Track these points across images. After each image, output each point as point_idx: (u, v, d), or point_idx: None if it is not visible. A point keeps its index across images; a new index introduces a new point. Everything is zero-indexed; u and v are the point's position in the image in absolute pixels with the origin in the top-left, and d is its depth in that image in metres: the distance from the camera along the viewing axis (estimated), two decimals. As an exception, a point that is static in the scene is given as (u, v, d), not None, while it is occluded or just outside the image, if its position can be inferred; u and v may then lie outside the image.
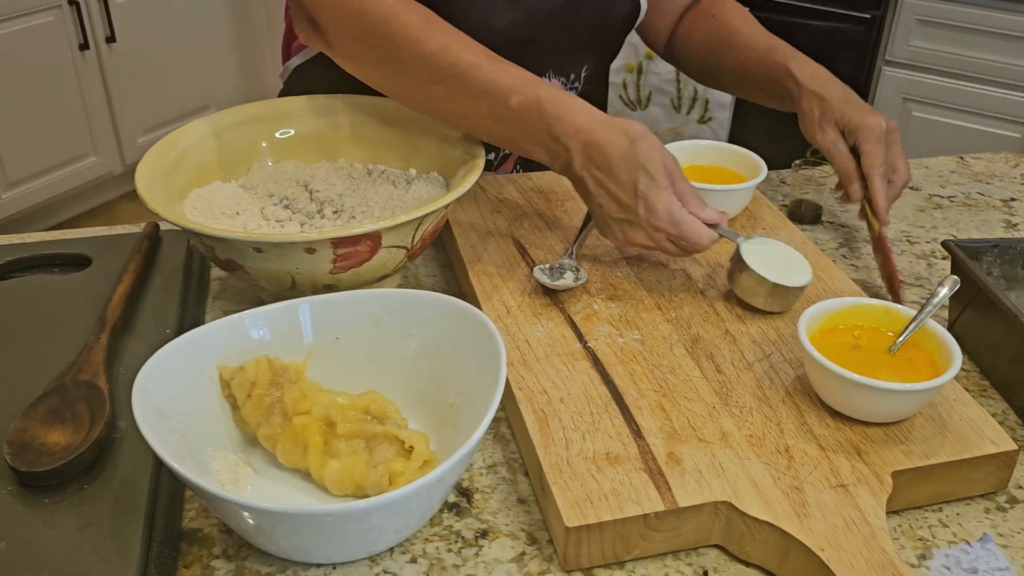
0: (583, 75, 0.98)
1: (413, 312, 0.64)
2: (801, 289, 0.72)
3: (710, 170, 0.87)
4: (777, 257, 0.73)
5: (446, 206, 0.70)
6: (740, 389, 0.64)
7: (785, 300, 0.72)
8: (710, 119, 2.24)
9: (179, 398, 0.58)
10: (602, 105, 1.35)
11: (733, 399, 0.63)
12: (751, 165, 0.86)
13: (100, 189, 2.80)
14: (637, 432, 0.60)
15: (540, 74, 0.95)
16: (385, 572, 0.55)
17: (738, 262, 0.72)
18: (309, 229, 0.76)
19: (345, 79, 0.81)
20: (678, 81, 2.22)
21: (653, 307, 0.72)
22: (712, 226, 0.71)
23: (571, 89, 0.98)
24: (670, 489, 0.55)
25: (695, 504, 0.54)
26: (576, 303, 0.72)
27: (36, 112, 2.47)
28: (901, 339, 0.64)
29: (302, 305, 0.63)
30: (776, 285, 0.70)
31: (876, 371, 0.60)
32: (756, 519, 0.54)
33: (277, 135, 0.84)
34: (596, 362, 0.66)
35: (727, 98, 2.22)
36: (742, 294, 0.72)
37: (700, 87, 2.20)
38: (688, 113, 2.24)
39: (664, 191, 0.69)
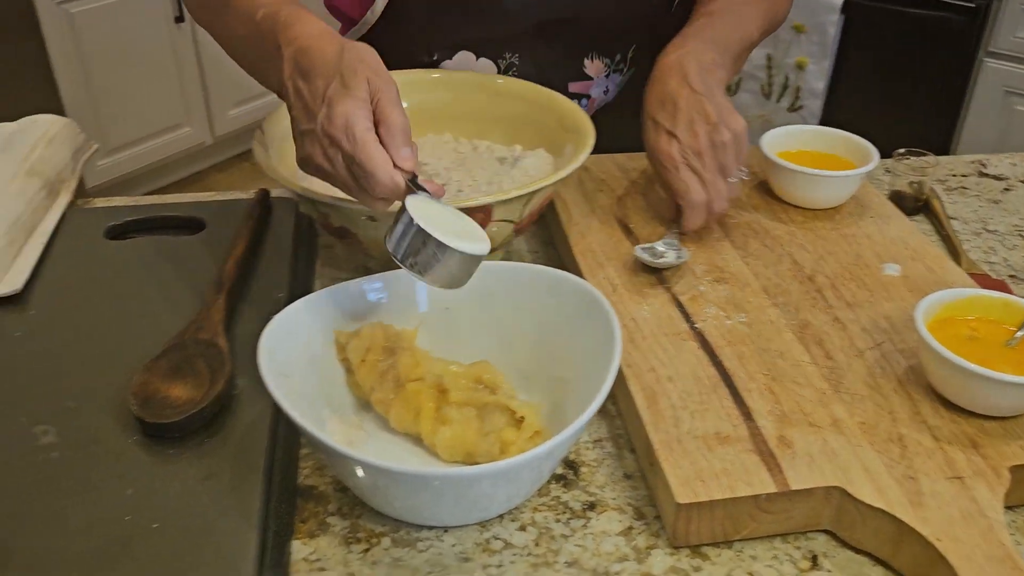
0: (630, 56, 0.96)
1: (525, 286, 0.64)
2: (473, 260, 0.58)
3: (818, 156, 0.86)
4: (450, 222, 0.60)
5: (556, 182, 0.71)
6: (851, 376, 0.63)
7: (451, 271, 0.59)
8: (801, 107, 2.20)
9: (299, 359, 0.60)
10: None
11: (844, 386, 0.62)
12: (860, 152, 0.84)
13: (191, 160, 2.87)
14: (747, 414, 0.59)
15: (582, 55, 0.93)
16: (495, 538, 0.56)
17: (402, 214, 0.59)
18: (417, 201, 0.77)
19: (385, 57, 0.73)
20: (769, 68, 2.18)
21: (760, 291, 0.72)
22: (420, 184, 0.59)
23: (616, 72, 0.96)
24: (782, 472, 0.55)
25: (807, 488, 0.54)
26: (681, 284, 0.72)
27: (133, 82, 2.54)
28: (1021, 332, 0.62)
29: (418, 273, 0.64)
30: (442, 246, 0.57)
31: (993, 364, 0.59)
32: (869, 506, 0.53)
33: (388, 107, 0.85)
34: (704, 343, 0.66)
35: (819, 86, 2.17)
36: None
37: (792, 74, 2.17)
38: (778, 100, 2.20)
39: (352, 100, 0.58)
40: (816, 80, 2.13)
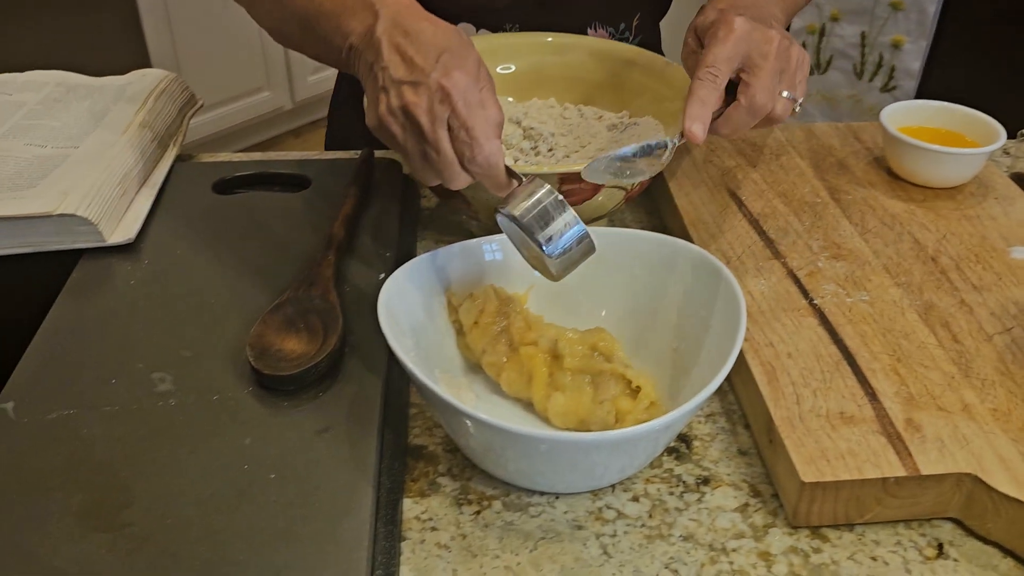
0: (635, 24, 0.93)
1: (642, 254, 0.63)
2: (590, 248, 0.57)
3: (940, 132, 0.82)
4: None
5: (674, 148, 0.69)
6: (980, 361, 0.60)
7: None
8: (894, 88, 2.12)
9: (413, 317, 0.59)
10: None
11: (973, 370, 0.59)
12: (985, 130, 0.81)
13: (269, 124, 2.90)
14: (872, 395, 0.57)
15: (584, 24, 0.90)
16: (608, 507, 0.55)
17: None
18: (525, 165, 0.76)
19: None
20: (863, 46, 2.11)
21: (881, 269, 0.69)
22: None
23: (621, 40, 0.93)
24: (911, 456, 0.53)
25: (938, 473, 0.52)
26: (799, 259, 0.70)
27: (217, 45, 2.57)
28: None
29: (537, 236, 0.63)
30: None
31: None
32: (1004, 495, 0.51)
33: (498, 70, 0.84)
34: (824, 320, 0.64)
35: (915, 65, 2.10)
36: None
37: (887, 53, 2.09)
38: (871, 80, 2.13)
39: (469, 74, 0.56)
40: (912, 60, 2.05)
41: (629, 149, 0.61)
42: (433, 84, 0.56)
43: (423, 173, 0.59)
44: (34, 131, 0.83)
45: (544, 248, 0.56)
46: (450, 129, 0.56)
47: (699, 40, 0.68)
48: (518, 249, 0.60)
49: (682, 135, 0.62)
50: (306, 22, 0.67)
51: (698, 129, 0.61)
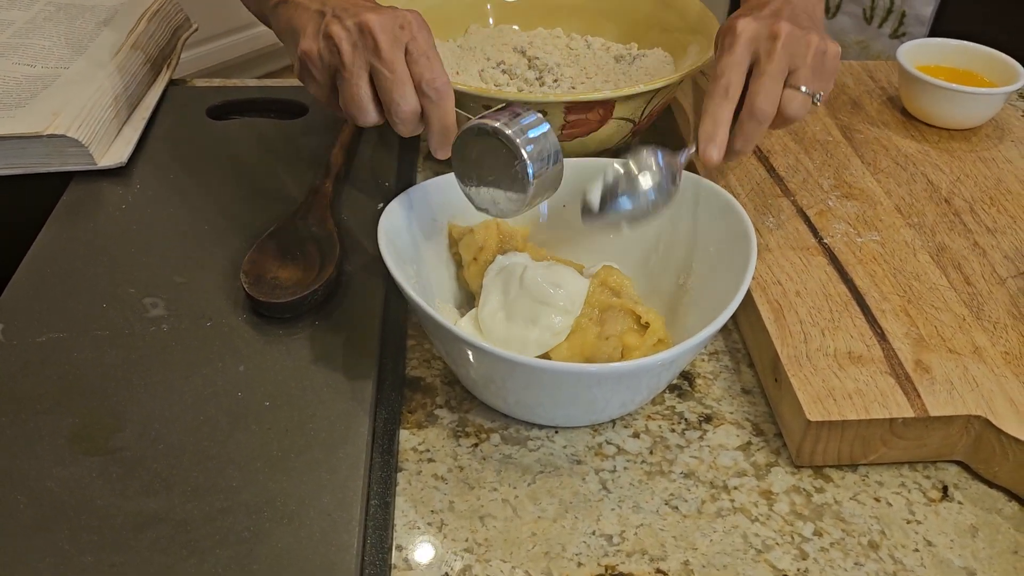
0: None
1: (650, 185, 0.61)
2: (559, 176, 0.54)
3: (957, 72, 0.80)
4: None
5: (683, 77, 0.67)
6: (992, 304, 0.59)
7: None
8: (904, 34, 2.08)
9: (414, 246, 0.58)
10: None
11: (985, 313, 0.58)
12: (1004, 70, 0.78)
13: (265, 59, 2.84)
14: (881, 335, 0.56)
15: None
16: (608, 443, 0.54)
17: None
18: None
19: None
20: (873, -10, 2.07)
21: (892, 210, 0.67)
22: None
23: None
24: (919, 397, 0.52)
25: (947, 415, 0.51)
26: (809, 198, 0.68)
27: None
28: None
29: (542, 165, 0.61)
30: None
31: None
32: (1014, 438, 0.50)
33: (504, -3, 0.81)
34: (833, 259, 0.62)
35: (925, 12, 2.05)
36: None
37: (898, -2, 2.05)
38: (880, 26, 2.09)
39: (420, 19, 0.55)
40: (923, 5, 2.01)
41: (643, 193, 0.57)
42: (392, 13, 0.55)
43: (359, 103, 0.55)
44: (23, 50, 0.80)
45: (530, 168, 0.52)
46: (407, 53, 0.54)
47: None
48: (466, 190, 0.55)
49: (696, 152, 0.58)
50: None
51: (713, 152, 0.57)
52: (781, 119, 0.59)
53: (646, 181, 0.57)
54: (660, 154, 0.57)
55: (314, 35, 0.56)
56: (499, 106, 0.54)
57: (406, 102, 0.54)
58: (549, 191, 0.54)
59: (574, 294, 0.55)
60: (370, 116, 0.56)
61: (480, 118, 0.53)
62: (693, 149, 0.58)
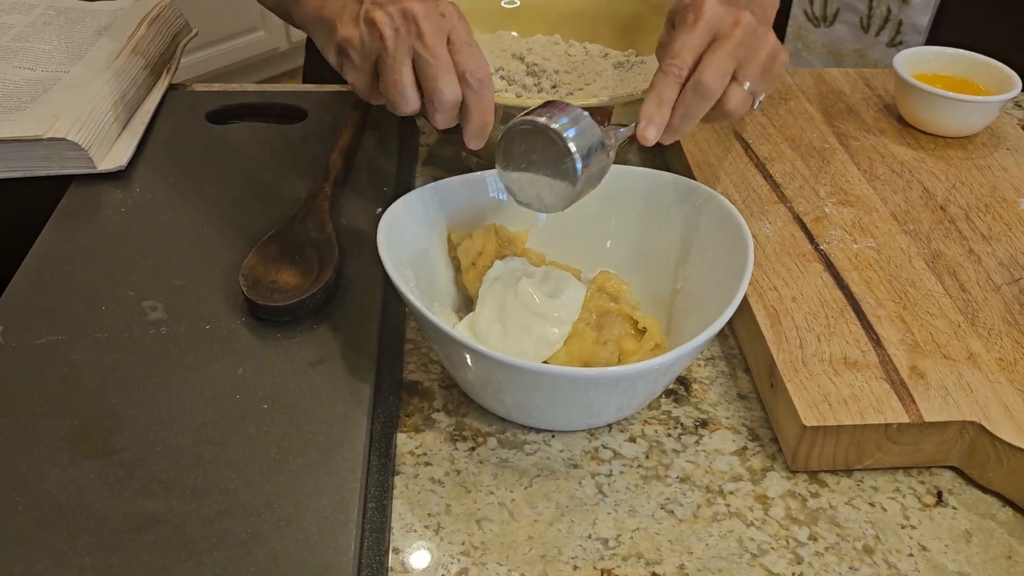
0: None
1: (648, 192, 0.61)
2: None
3: (953, 80, 0.80)
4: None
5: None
6: (987, 310, 0.59)
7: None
8: (900, 43, 2.09)
9: (413, 250, 0.58)
10: (783, 14, 1.19)
11: (980, 320, 0.59)
12: (1000, 80, 0.79)
13: (264, 64, 2.85)
14: (876, 341, 0.56)
15: None
16: (604, 447, 0.55)
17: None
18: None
19: None
20: (871, -1, 2.08)
21: (888, 216, 0.68)
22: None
23: None
24: (914, 402, 0.52)
25: (942, 421, 0.51)
26: (805, 204, 0.69)
27: (213, -19, 2.52)
28: None
29: (540, 170, 0.61)
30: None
31: None
32: (1009, 444, 0.50)
33: (503, 4, 0.82)
34: (829, 265, 0.62)
35: (922, 21, 2.06)
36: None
37: (894, 7, 2.06)
38: (877, 35, 2.10)
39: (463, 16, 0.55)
40: (920, 15, 2.01)
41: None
42: (433, 2, 0.55)
43: (401, 89, 0.55)
44: (23, 54, 0.80)
45: (578, 163, 0.53)
46: (449, 42, 0.54)
47: (672, 27, 0.61)
48: (508, 182, 0.56)
49: (635, 132, 0.57)
50: None
51: (652, 132, 0.56)
52: (718, 110, 0.57)
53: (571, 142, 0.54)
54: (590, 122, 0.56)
55: (354, 21, 0.56)
56: (540, 103, 0.55)
57: (449, 90, 0.54)
58: (594, 184, 0.55)
59: (570, 303, 0.55)
60: (411, 103, 0.56)
61: (526, 114, 0.54)
62: (633, 127, 0.57)
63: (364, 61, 0.57)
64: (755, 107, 0.59)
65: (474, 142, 0.56)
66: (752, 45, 0.57)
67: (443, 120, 0.56)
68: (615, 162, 0.57)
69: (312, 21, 0.61)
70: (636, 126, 0.57)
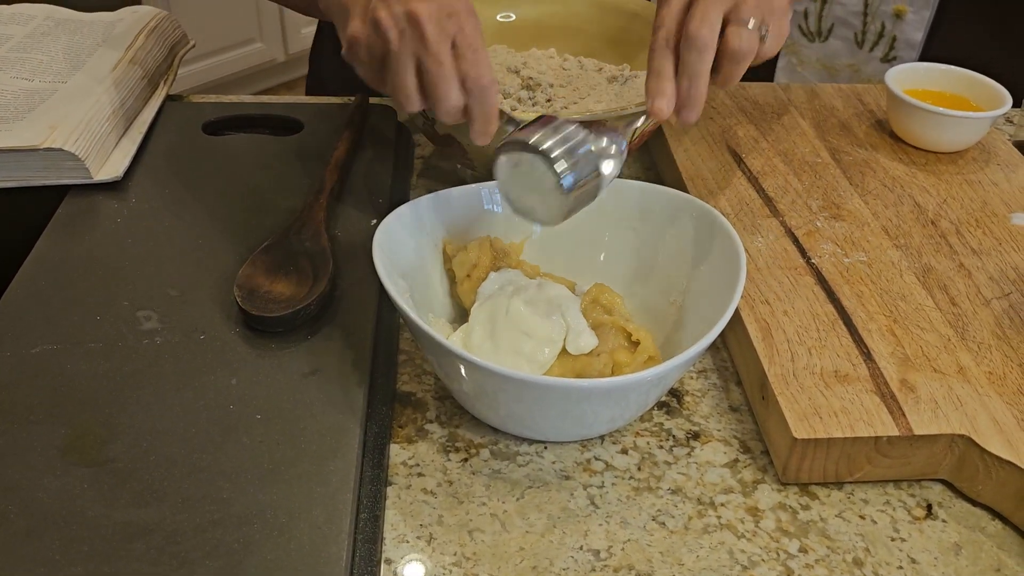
0: None
1: (642, 205, 0.62)
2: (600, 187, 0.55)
3: (944, 96, 0.81)
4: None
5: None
6: (977, 324, 0.60)
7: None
8: (895, 58, 2.10)
9: (408, 260, 0.58)
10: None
11: (970, 334, 0.59)
12: (990, 96, 0.80)
13: (261, 76, 2.86)
14: (867, 354, 0.57)
15: None
16: (596, 459, 0.55)
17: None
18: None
19: None
20: (865, 14, 2.09)
21: (880, 231, 0.68)
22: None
23: None
24: (904, 415, 0.53)
25: (931, 434, 0.52)
26: (797, 218, 0.69)
27: (212, -7, 2.53)
28: None
29: (534, 183, 0.62)
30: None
31: None
32: (998, 458, 0.51)
33: (498, 18, 0.82)
34: (820, 279, 0.63)
35: (917, 36, 2.08)
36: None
37: (889, 23, 2.07)
38: (871, 50, 2.11)
39: (474, 14, 0.54)
40: (914, 30, 2.03)
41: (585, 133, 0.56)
42: (440, 1, 0.53)
43: (406, 92, 0.55)
44: (21, 64, 0.81)
45: (565, 181, 0.53)
46: (454, 47, 0.53)
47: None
48: (506, 196, 0.57)
49: (647, 116, 0.57)
50: None
51: (663, 104, 0.55)
52: (727, 56, 0.56)
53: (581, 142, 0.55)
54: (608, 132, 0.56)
55: (362, 18, 0.55)
56: (536, 117, 0.55)
57: (450, 98, 0.54)
58: (589, 200, 0.55)
59: (562, 323, 0.55)
60: (415, 105, 0.56)
61: (520, 129, 0.54)
62: (644, 115, 0.57)
63: (371, 59, 0.57)
64: (765, 40, 0.56)
65: (480, 139, 0.57)
66: None
67: (448, 120, 0.56)
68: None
69: (331, 7, 0.60)
70: (647, 108, 0.56)
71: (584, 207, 0.56)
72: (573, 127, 0.54)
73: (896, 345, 0.58)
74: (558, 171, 0.53)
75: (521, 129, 0.54)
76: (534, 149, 0.53)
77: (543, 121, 0.55)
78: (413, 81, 0.55)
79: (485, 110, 0.55)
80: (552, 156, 0.53)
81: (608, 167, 0.55)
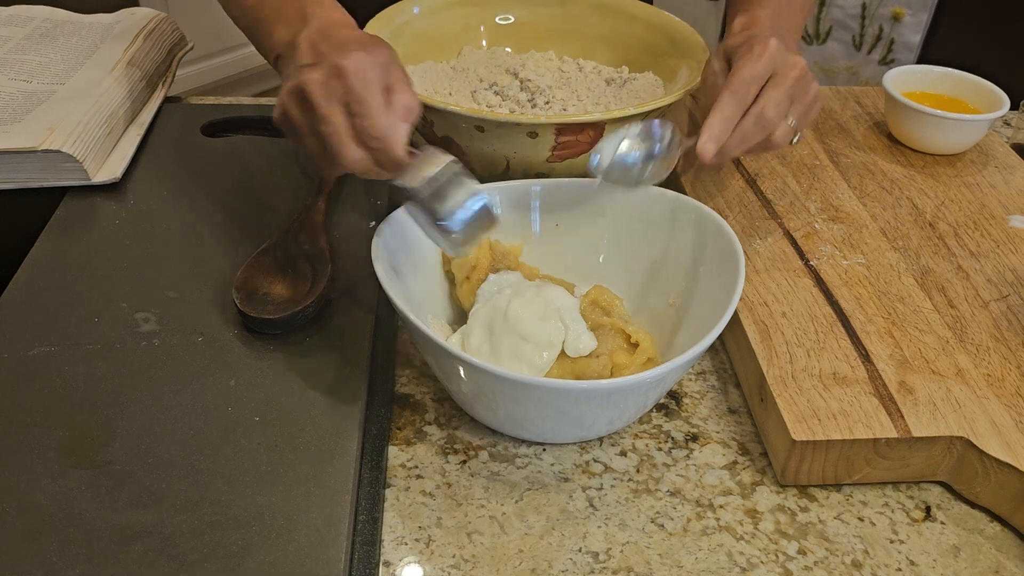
0: None
1: (641, 207, 0.62)
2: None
3: (942, 99, 0.81)
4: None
5: (673, 101, 0.68)
6: (975, 326, 0.60)
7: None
8: (892, 61, 2.10)
9: (407, 263, 0.58)
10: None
11: (968, 336, 0.59)
12: (988, 98, 0.80)
13: (259, 78, 2.85)
14: (865, 356, 0.57)
15: None
16: (595, 460, 0.55)
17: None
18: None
19: None
20: (863, 17, 2.09)
21: (878, 233, 0.68)
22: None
23: None
24: (903, 417, 0.53)
25: (929, 436, 0.52)
26: (796, 220, 0.69)
27: (210, -6, 2.53)
28: None
29: (534, 186, 0.62)
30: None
31: None
32: (996, 460, 0.51)
33: (497, 20, 0.82)
34: (819, 281, 0.63)
35: (914, 39, 2.08)
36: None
37: (887, 25, 2.07)
38: (869, 53, 2.11)
39: (374, 58, 0.53)
40: (912, 33, 2.03)
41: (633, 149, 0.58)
42: (329, 64, 0.52)
43: (318, 158, 0.54)
44: (20, 66, 0.81)
45: (442, 223, 0.53)
46: (347, 105, 0.52)
47: (727, 63, 0.63)
48: (418, 223, 0.56)
49: (688, 141, 0.59)
50: (247, 28, 0.65)
51: (712, 148, 0.57)
52: (766, 141, 0.60)
53: (653, 145, 0.58)
54: (670, 129, 0.59)
55: (285, 90, 0.55)
56: (418, 151, 0.54)
57: (346, 157, 0.52)
58: (481, 231, 0.54)
59: (560, 327, 0.55)
60: (336, 170, 0.55)
61: (402, 174, 0.53)
62: (692, 142, 0.58)
63: (292, 132, 0.55)
64: (794, 142, 0.62)
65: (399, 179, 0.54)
66: (803, 87, 0.60)
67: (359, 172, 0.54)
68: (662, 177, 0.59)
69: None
70: (696, 140, 0.58)
71: (480, 235, 0.55)
72: (451, 168, 0.53)
73: (894, 347, 0.58)
74: (439, 217, 0.53)
75: (406, 169, 0.53)
76: (414, 194, 0.53)
77: (422, 158, 0.53)
78: (317, 147, 0.54)
79: (387, 155, 0.53)
80: (430, 206, 0.53)
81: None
